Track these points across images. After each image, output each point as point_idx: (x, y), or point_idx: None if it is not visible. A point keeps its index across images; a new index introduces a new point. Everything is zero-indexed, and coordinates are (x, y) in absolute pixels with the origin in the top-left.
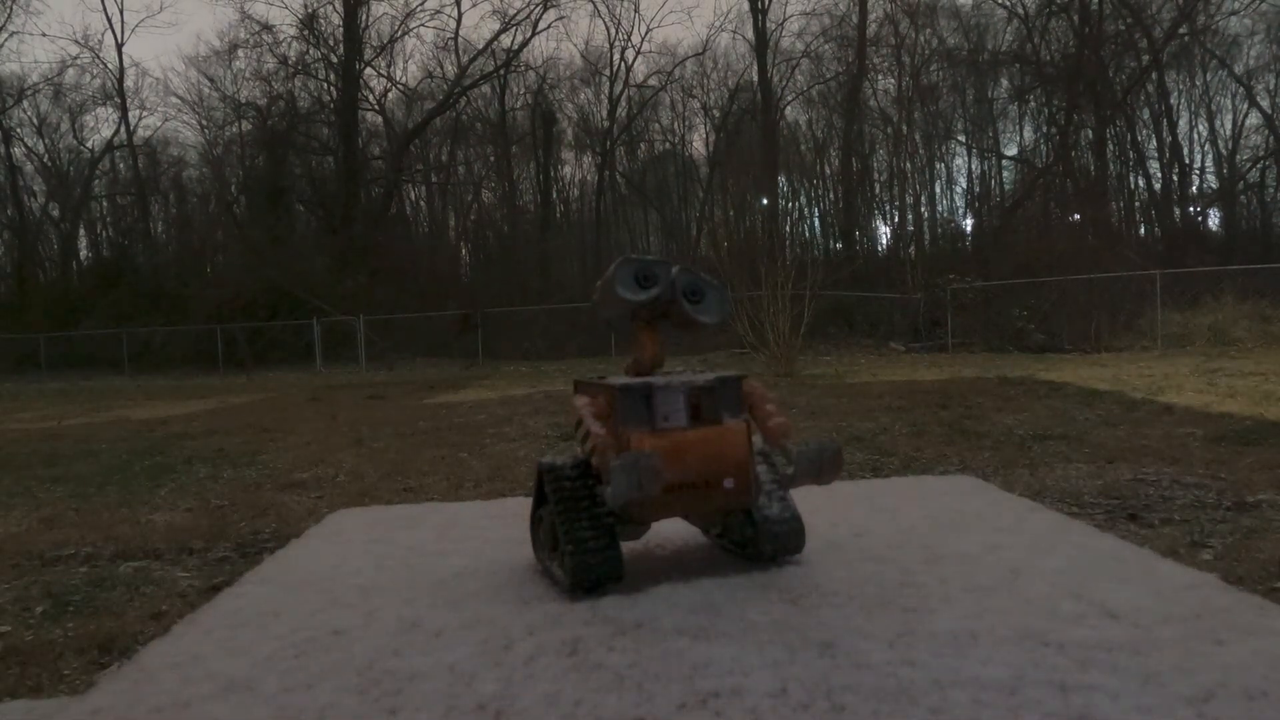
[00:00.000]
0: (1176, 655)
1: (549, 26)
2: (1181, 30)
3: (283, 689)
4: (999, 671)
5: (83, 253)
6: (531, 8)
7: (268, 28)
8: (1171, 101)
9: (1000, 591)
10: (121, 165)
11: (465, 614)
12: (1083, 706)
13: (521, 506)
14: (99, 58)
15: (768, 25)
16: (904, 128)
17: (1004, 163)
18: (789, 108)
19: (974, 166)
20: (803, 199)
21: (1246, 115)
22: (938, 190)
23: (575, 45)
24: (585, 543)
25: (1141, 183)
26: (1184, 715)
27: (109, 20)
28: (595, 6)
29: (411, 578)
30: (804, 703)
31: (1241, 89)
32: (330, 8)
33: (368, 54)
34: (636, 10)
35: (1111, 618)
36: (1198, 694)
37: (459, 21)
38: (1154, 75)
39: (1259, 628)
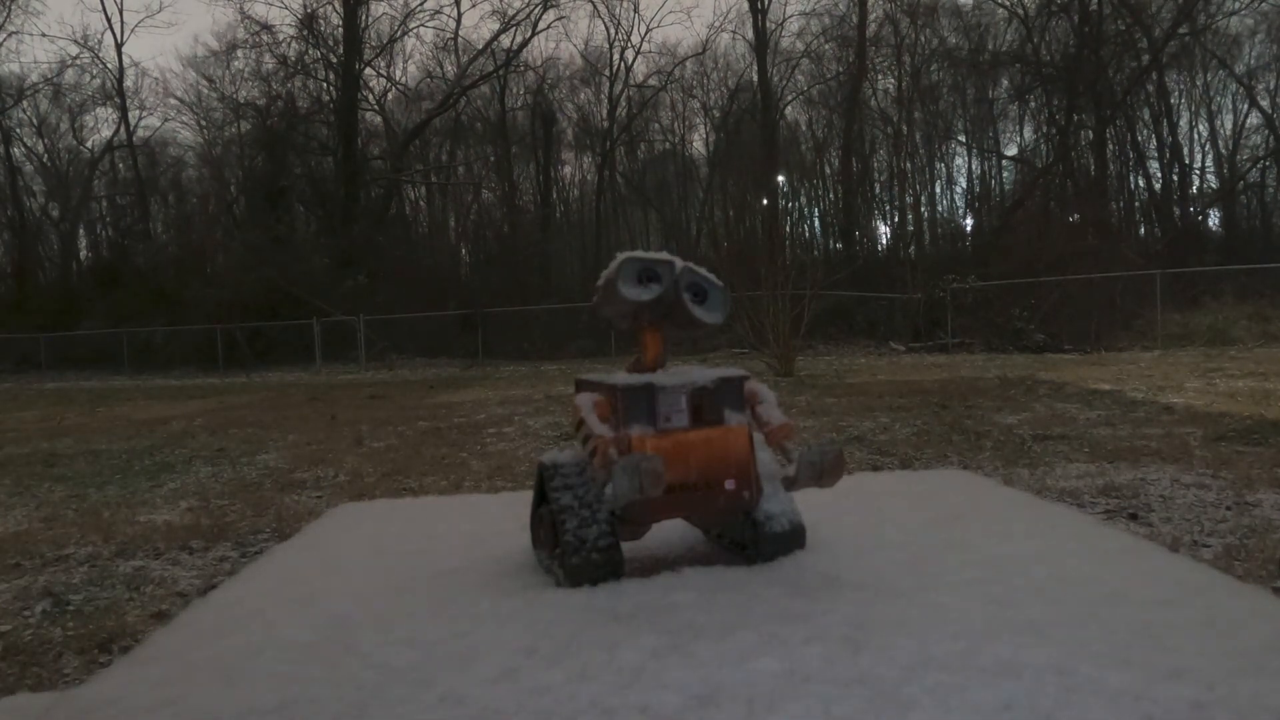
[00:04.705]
0: (1187, 641)
1: (549, 27)
2: (1181, 30)
3: (284, 679)
4: (1009, 659)
5: (83, 253)
6: (531, 8)
7: (267, 28)
8: (1171, 101)
9: (1006, 582)
10: (121, 165)
11: (466, 607)
12: (1095, 691)
13: (522, 501)
14: (98, 58)
15: (768, 25)
16: (904, 128)
17: (1004, 163)
18: (789, 108)
19: (974, 166)
20: (803, 199)
21: (1246, 115)
22: (938, 190)
23: (575, 45)
24: (585, 542)
25: (1141, 183)
26: (1202, 698)
27: (108, 20)
28: (595, 6)
29: (412, 571)
30: (814, 692)
31: (1241, 89)
32: (330, 8)
33: (367, 54)
34: (636, 10)
35: (1118, 606)
36: (1212, 678)
37: (459, 22)
38: (1154, 75)
39: (1266, 616)
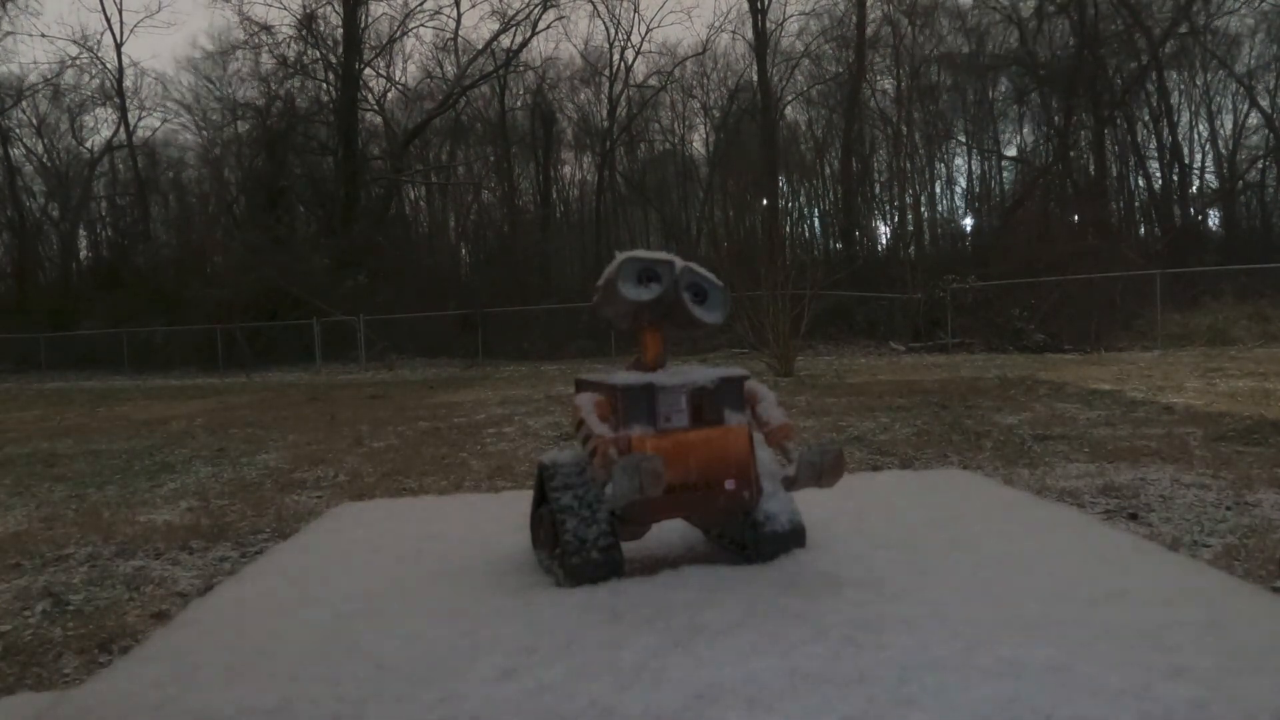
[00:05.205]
0: (1187, 640)
1: (549, 27)
2: (1181, 30)
3: (284, 679)
4: (1009, 658)
5: (83, 253)
6: (531, 8)
7: (266, 28)
8: (1171, 101)
9: (1006, 581)
10: (121, 165)
11: (466, 606)
12: (1095, 690)
13: (522, 500)
14: (98, 58)
15: (767, 25)
16: (904, 128)
17: (1004, 163)
18: (789, 108)
19: (974, 166)
20: (803, 199)
21: (1246, 115)
22: (938, 190)
23: (575, 45)
24: (585, 542)
25: (1141, 183)
26: (1202, 697)
27: (107, 20)
28: (595, 6)
29: (412, 570)
30: (814, 691)
31: (1241, 89)
32: (329, 8)
33: (367, 54)
34: (636, 10)
35: (1119, 605)
36: (1212, 677)
37: (459, 22)
38: (1154, 75)
39: (1266, 615)
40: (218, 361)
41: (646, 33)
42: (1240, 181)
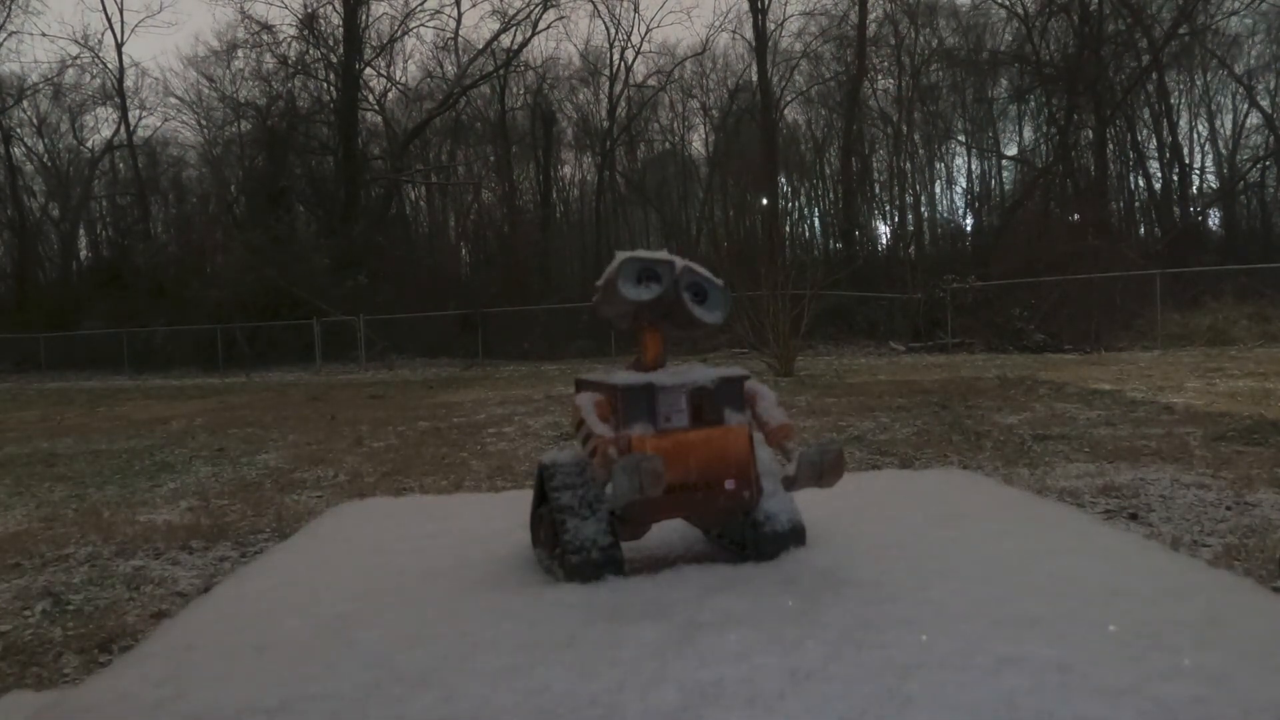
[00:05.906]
0: (1187, 638)
1: (549, 26)
2: (1181, 30)
3: (284, 679)
4: (1010, 656)
5: (83, 253)
6: (531, 8)
7: (267, 28)
8: (1171, 101)
9: (1006, 580)
10: (121, 165)
11: (466, 605)
12: (1096, 688)
13: (522, 500)
14: (99, 58)
15: (767, 25)
16: (904, 128)
17: (1004, 163)
18: (788, 108)
19: (974, 166)
20: (803, 199)
21: (1247, 115)
22: (938, 190)
23: (575, 45)
24: (585, 542)
25: (1141, 183)
26: (1202, 694)
27: (108, 20)
28: (595, 6)
29: (412, 570)
30: (815, 689)
31: (1241, 89)
32: (330, 8)
33: (368, 54)
34: (636, 10)
35: (1119, 603)
36: (1212, 674)
37: (459, 21)
38: (1154, 75)
39: (1265, 613)
40: (218, 361)
41: (646, 33)
42: (1240, 182)
